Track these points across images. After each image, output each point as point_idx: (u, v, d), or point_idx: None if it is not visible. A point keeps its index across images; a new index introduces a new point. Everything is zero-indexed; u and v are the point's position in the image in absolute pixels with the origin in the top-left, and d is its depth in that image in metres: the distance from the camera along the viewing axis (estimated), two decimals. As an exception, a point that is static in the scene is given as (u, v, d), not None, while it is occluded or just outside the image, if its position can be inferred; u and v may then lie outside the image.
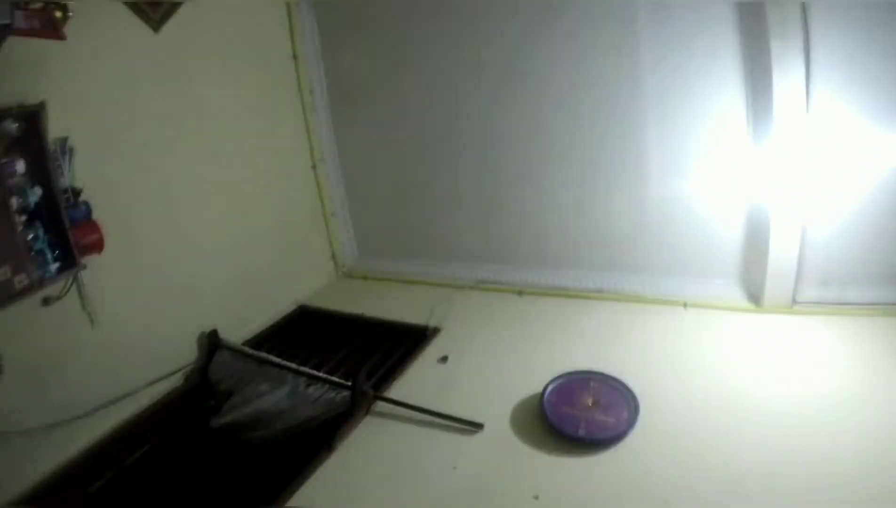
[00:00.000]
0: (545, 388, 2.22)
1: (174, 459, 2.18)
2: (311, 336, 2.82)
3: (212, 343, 2.53)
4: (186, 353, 2.54)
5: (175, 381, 2.47)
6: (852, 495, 1.54)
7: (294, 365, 2.25)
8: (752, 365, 2.27)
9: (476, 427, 2.13)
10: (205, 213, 2.62)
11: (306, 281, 3.21)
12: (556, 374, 2.31)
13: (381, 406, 2.19)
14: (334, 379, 2.19)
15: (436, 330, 2.72)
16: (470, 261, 3.22)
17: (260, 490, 1.82)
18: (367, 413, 2.15)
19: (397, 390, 2.31)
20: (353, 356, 2.60)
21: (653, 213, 2.79)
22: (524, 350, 2.65)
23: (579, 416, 2.09)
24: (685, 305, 2.78)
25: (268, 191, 2.99)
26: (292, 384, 2.17)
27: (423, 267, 3.30)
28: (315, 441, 1.96)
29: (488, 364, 2.56)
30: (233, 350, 2.51)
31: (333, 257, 3.44)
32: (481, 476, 1.93)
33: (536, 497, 1.80)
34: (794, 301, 2.53)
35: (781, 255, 2.46)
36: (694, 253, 2.80)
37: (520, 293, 3.07)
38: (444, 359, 2.49)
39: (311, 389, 2.16)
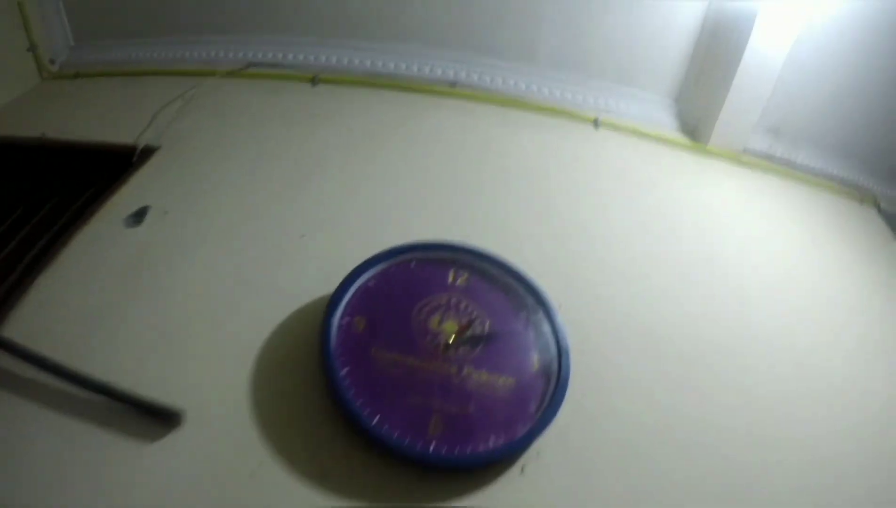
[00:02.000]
0: (334, 298, 0.80)
1: None
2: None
3: None
4: None
5: None
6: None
7: None
8: (705, 236, 1.37)
9: (167, 420, 0.77)
10: None
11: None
12: (372, 251, 0.89)
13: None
14: None
15: (148, 152, 1.39)
16: (241, 35, 1.90)
17: None
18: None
19: (33, 306, 0.96)
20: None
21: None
22: (311, 185, 1.23)
23: (426, 381, 0.75)
24: (596, 122, 1.56)
25: None
26: None
27: (169, 50, 1.95)
28: None
29: (227, 222, 1.14)
30: None
31: (34, 50, 1.94)
32: None
33: None
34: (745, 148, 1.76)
35: (752, 84, 1.63)
36: (615, 48, 1.72)
37: (314, 81, 1.68)
38: (137, 217, 1.16)
39: None
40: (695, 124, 1.72)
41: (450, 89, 1.61)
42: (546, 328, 0.85)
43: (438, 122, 1.50)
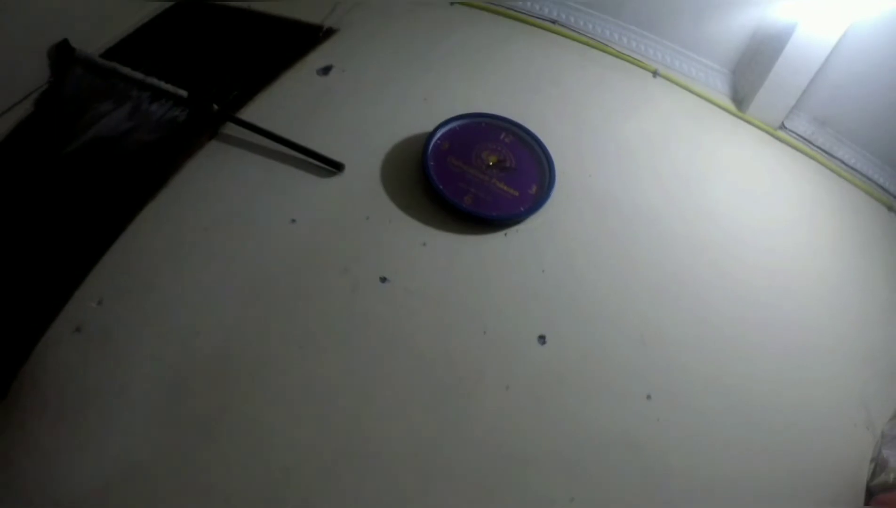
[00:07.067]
0: (436, 129, 1.47)
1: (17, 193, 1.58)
2: (183, 37, 2.02)
3: (62, 56, 1.74)
4: (37, 75, 1.73)
5: (26, 109, 1.68)
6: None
7: (141, 75, 1.66)
8: (707, 172, 1.78)
9: (334, 167, 1.45)
10: None
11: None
12: (459, 112, 1.54)
13: (231, 128, 1.56)
14: (180, 91, 1.61)
15: (330, 32, 1.93)
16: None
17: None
18: (211, 137, 1.54)
19: (259, 107, 1.65)
20: (221, 61, 1.90)
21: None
22: (435, 71, 1.81)
23: (471, 179, 1.43)
24: (656, 73, 2.03)
25: None
26: (135, 100, 1.64)
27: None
28: (149, 171, 1.47)
29: (381, 83, 1.75)
30: (86, 63, 1.73)
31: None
32: (319, 238, 1.35)
33: (384, 280, 1.26)
34: (783, 125, 2.02)
35: (791, 65, 1.87)
36: (688, 17, 2.04)
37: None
38: (325, 70, 1.76)
39: (154, 106, 1.62)
40: (742, 95, 2.01)
41: (551, 25, 2.14)
42: (546, 170, 1.48)
43: (536, 47, 2.00)
